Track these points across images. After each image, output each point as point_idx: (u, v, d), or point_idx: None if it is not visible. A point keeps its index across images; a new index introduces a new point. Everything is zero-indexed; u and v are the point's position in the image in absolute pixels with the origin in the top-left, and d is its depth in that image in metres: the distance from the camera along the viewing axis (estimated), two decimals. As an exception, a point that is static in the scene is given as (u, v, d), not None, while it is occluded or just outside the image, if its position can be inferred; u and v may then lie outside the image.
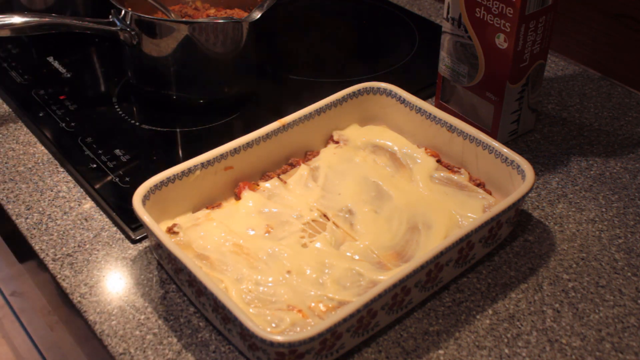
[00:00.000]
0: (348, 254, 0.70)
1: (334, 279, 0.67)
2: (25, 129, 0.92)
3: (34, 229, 0.77)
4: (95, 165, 0.84)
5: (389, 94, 0.85)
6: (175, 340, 0.65)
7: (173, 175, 0.72)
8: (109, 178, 0.82)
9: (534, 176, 0.72)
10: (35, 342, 1.35)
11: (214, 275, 0.67)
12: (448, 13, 0.85)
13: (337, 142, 0.84)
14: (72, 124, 0.90)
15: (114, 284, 0.71)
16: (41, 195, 0.81)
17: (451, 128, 0.80)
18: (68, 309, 0.72)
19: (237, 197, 0.77)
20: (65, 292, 0.71)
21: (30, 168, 0.85)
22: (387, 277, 0.63)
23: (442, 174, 0.79)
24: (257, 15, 0.88)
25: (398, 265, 0.69)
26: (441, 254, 0.65)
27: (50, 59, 1.04)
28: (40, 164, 0.86)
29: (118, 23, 0.89)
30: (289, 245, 0.71)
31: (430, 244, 0.70)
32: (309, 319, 0.63)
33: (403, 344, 0.65)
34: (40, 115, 0.92)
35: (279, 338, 0.57)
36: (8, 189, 0.82)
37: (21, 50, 1.06)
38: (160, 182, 0.71)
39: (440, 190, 0.77)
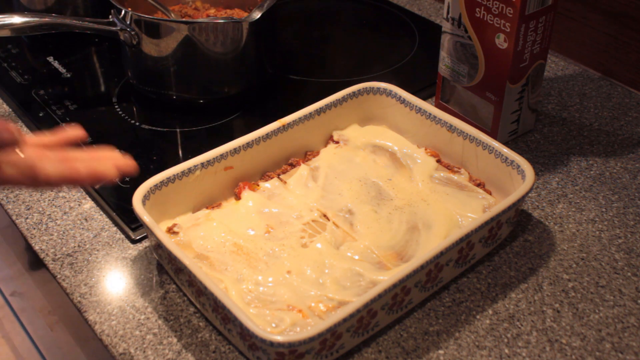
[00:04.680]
0: (348, 254, 0.70)
1: (334, 279, 0.67)
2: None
3: (34, 229, 0.77)
4: (95, 165, 0.84)
5: (389, 94, 0.85)
6: (175, 340, 0.65)
7: (173, 175, 0.72)
8: (109, 178, 0.82)
9: (534, 176, 0.72)
10: (35, 342, 1.35)
11: (214, 275, 0.67)
12: (448, 13, 0.85)
13: (337, 142, 0.84)
14: (73, 124, 0.90)
15: (114, 284, 0.71)
16: (41, 195, 0.81)
17: (451, 128, 0.80)
18: (68, 309, 0.72)
19: (237, 197, 0.77)
20: (65, 292, 0.71)
21: (30, 168, 0.85)
22: (387, 277, 0.63)
23: (442, 174, 0.79)
24: (257, 15, 0.88)
25: (398, 265, 0.69)
26: (441, 254, 0.65)
27: (50, 59, 1.04)
28: (40, 164, 0.86)
29: (118, 23, 0.89)
30: (289, 245, 0.71)
31: (430, 244, 0.70)
32: (309, 319, 0.63)
33: (403, 344, 0.65)
34: (40, 115, 0.92)
35: (279, 338, 0.57)
36: (8, 189, 0.82)
37: (21, 50, 1.06)
38: (160, 182, 0.71)
39: (440, 190, 0.77)
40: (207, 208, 0.76)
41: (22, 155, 0.56)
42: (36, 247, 0.75)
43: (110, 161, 0.60)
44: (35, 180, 0.56)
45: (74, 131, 0.62)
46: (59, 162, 0.58)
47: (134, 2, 0.93)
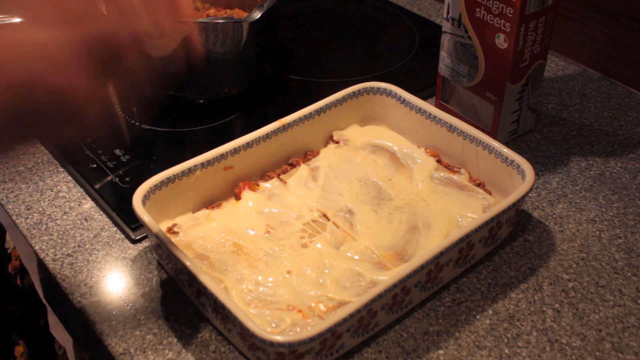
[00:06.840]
0: (348, 254, 0.70)
1: (334, 279, 0.67)
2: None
3: (34, 229, 0.77)
4: (95, 165, 0.84)
5: (389, 94, 0.85)
6: (175, 340, 0.65)
7: (173, 175, 0.72)
8: (109, 178, 0.82)
9: (534, 176, 0.72)
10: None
11: (214, 275, 0.67)
12: (448, 13, 0.85)
13: (337, 142, 0.84)
14: (72, 124, 0.90)
15: (114, 284, 0.71)
16: (41, 195, 0.81)
17: (451, 128, 0.80)
18: (68, 309, 0.72)
19: (237, 197, 0.77)
20: (65, 292, 0.71)
21: (30, 168, 0.85)
22: (387, 277, 0.63)
23: (442, 174, 0.79)
24: (257, 15, 0.88)
25: (398, 265, 0.69)
26: (441, 254, 0.65)
27: (50, 59, 1.04)
28: (40, 164, 0.86)
29: (118, 23, 0.89)
30: (289, 245, 0.71)
31: (430, 244, 0.70)
32: (309, 319, 0.63)
33: (403, 344, 0.65)
34: (40, 115, 0.92)
35: (279, 338, 0.57)
36: (8, 189, 0.82)
37: (21, 50, 1.06)
38: (160, 182, 0.71)
39: (440, 190, 0.77)
40: (207, 208, 0.76)
41: None
42: (36, 247, 0.75)
43: None
44: None
45: None
46: None
47: (134, 2, 0.93)
